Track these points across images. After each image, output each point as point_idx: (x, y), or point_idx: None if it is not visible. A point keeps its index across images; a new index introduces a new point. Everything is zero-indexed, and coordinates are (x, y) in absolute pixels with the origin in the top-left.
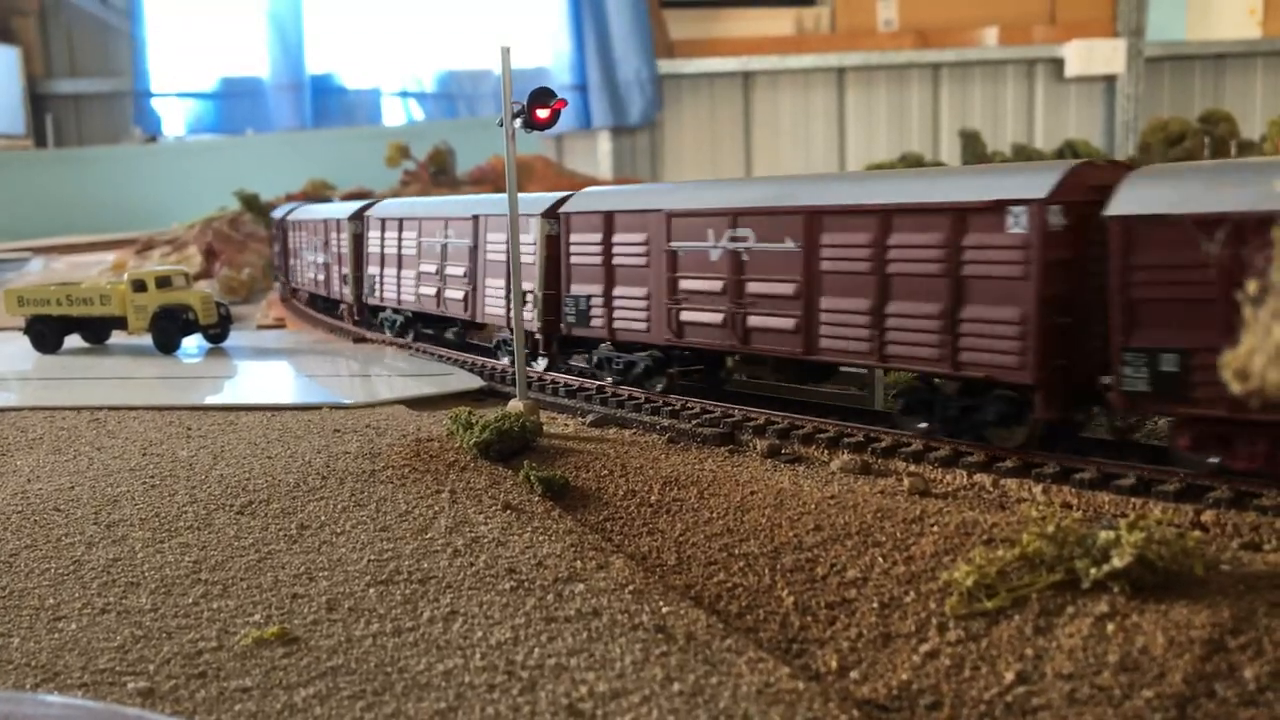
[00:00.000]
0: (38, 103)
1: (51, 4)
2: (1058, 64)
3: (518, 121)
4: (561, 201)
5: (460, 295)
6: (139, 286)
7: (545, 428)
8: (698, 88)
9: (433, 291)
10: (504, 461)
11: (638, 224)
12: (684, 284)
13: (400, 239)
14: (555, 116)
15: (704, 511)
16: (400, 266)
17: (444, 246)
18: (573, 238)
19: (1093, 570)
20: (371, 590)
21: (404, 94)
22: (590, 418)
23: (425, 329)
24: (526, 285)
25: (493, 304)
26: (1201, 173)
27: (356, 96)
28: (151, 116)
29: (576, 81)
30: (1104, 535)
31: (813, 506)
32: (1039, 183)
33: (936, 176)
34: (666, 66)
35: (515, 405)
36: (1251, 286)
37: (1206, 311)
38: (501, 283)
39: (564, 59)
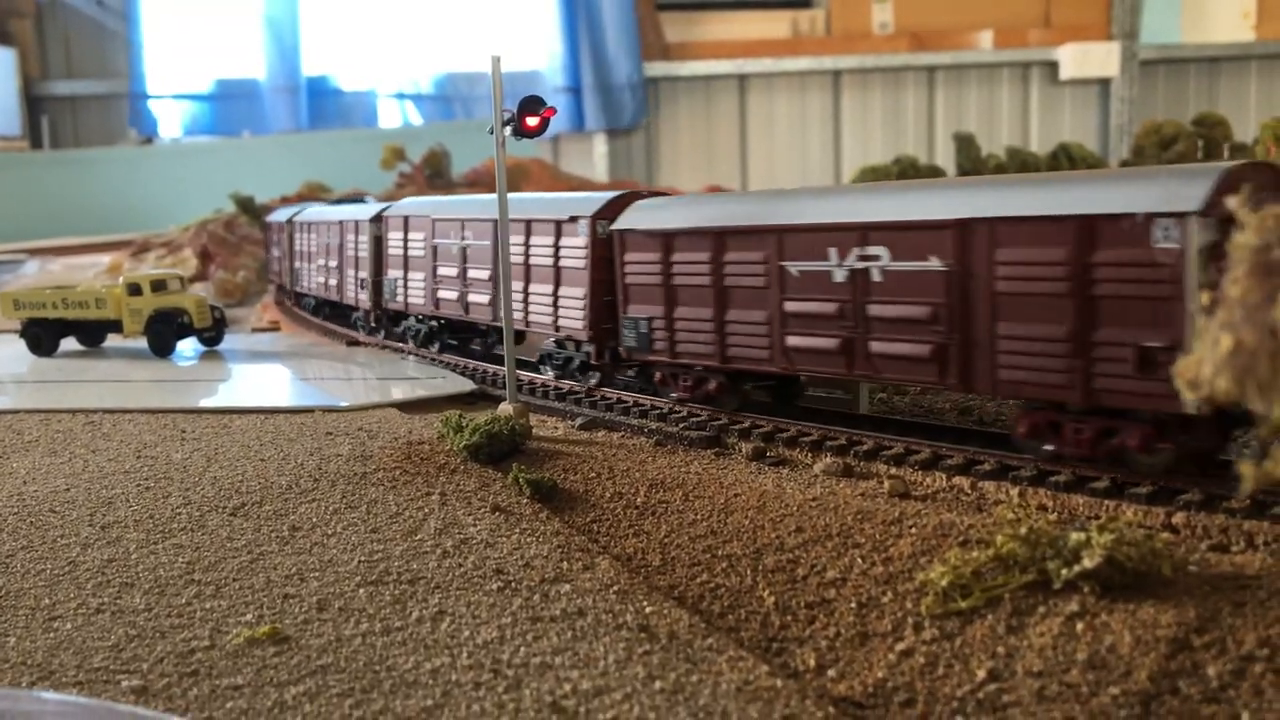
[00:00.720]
0: (34, 104)
1: (48, 6)
2: (1052, 67)
3: (508, 130)
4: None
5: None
6: (134, 290)
7: (535, 430)
8: (693, 90)
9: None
10: (494, 464)
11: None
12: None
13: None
14: (545, 124)
15: (689, 513)
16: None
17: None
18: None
19: (1064, 571)
20: (361, 591)
21: (399, 96)
22: (579, 421)
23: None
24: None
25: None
26: None
27: (352, 99)
28: (147, 118)
29: (570, 84)
30: (1075, 537)
31: (795, 508)
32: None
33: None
34: (662, 69)
35: (505, 408)
36: (1205, 298)
37: None
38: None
39: (557, 61)
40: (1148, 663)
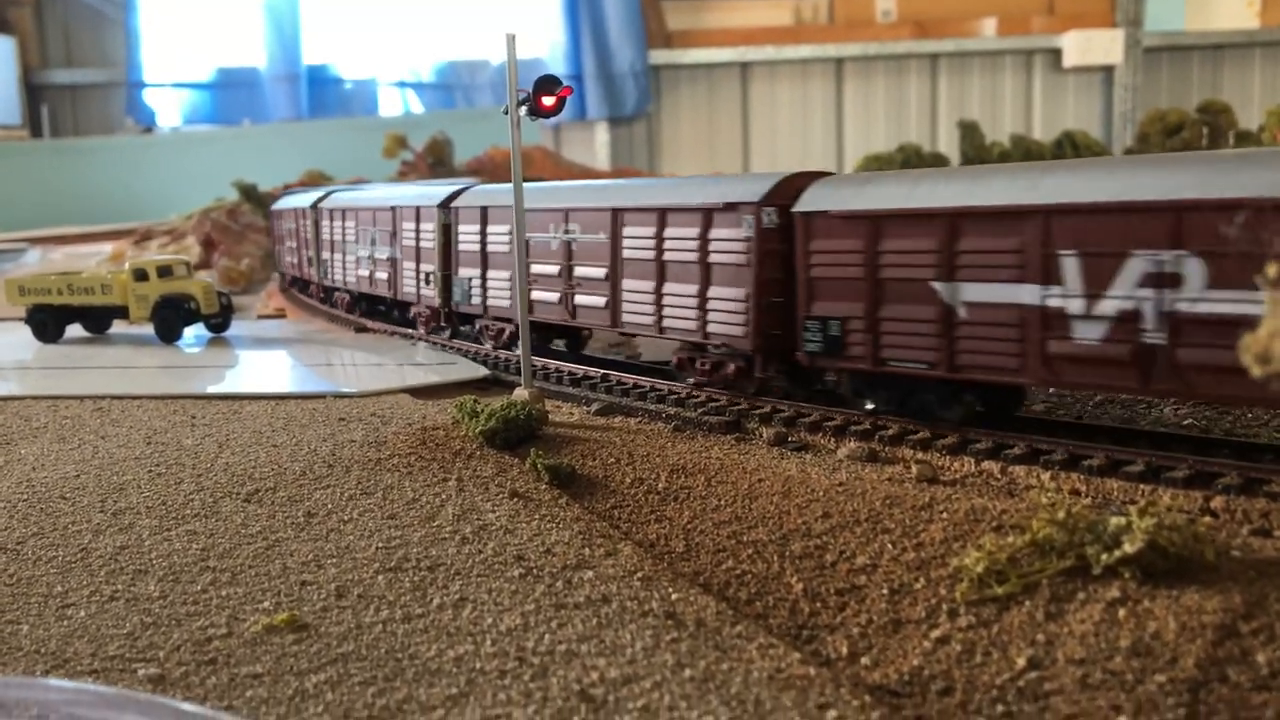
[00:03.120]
0: (33, 93)
1: None
2: (1056, 54)
3: (523, 109)
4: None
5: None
6: (140, 275)
7: (550, 416)
8: (695, 78)
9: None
10: (510, 450)
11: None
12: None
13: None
14: (561, 104)
15: (711, 499)
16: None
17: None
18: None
19: (1103, 556)
20: (380, 577)
21: (401, 84)
22: (595, 406)
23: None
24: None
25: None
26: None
27: (353, 87)
28: (143, 107)
29: (572, 72)
30: (1115, 521)
31: (820, 494)
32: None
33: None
34: (664, 57)
35: (520, 393)
36: (1272, 270)
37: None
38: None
39: (559, 49)
40: (1194, 650)
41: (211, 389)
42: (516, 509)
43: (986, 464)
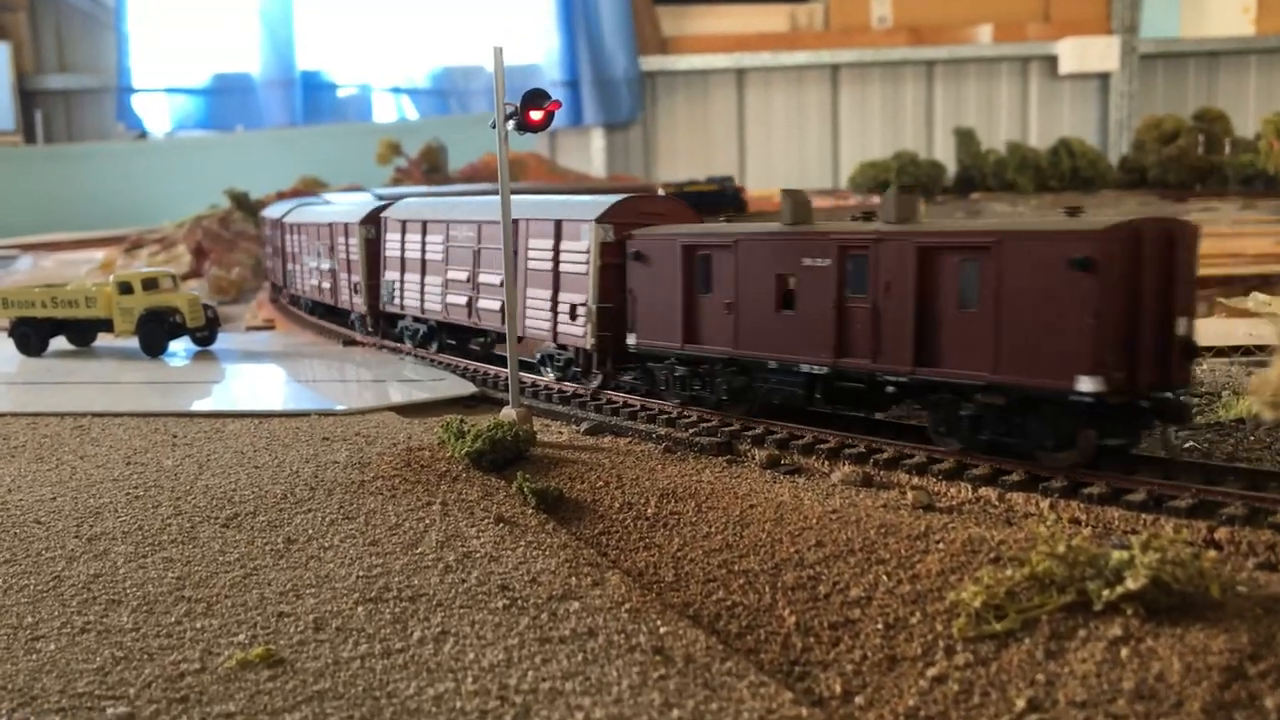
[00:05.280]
0: (27, 98)
1: (41, 0)
2: (1052, 61)
3: (510, 124)
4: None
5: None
6: (125, 288)
7: (539, 436)
8: (690, 84)
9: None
10: (497, 471)
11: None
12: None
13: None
14: (549, 119)
15: (702, 525)
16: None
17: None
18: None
19: (1105, 592)
20: (360, 609)
21: (395, 91)
22: (584, 426)
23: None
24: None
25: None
26: None
27: (348, 93)
28: (133, 114)
29: (567, 78)
30: (1117, 555)
31: (814, 521)
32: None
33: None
34: (659, 63)
35: (508, 413)
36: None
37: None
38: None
39: (554, 56)
40: (1200, 693)
41: (194, 406)
42: (502, 535)
43: (983, 490)
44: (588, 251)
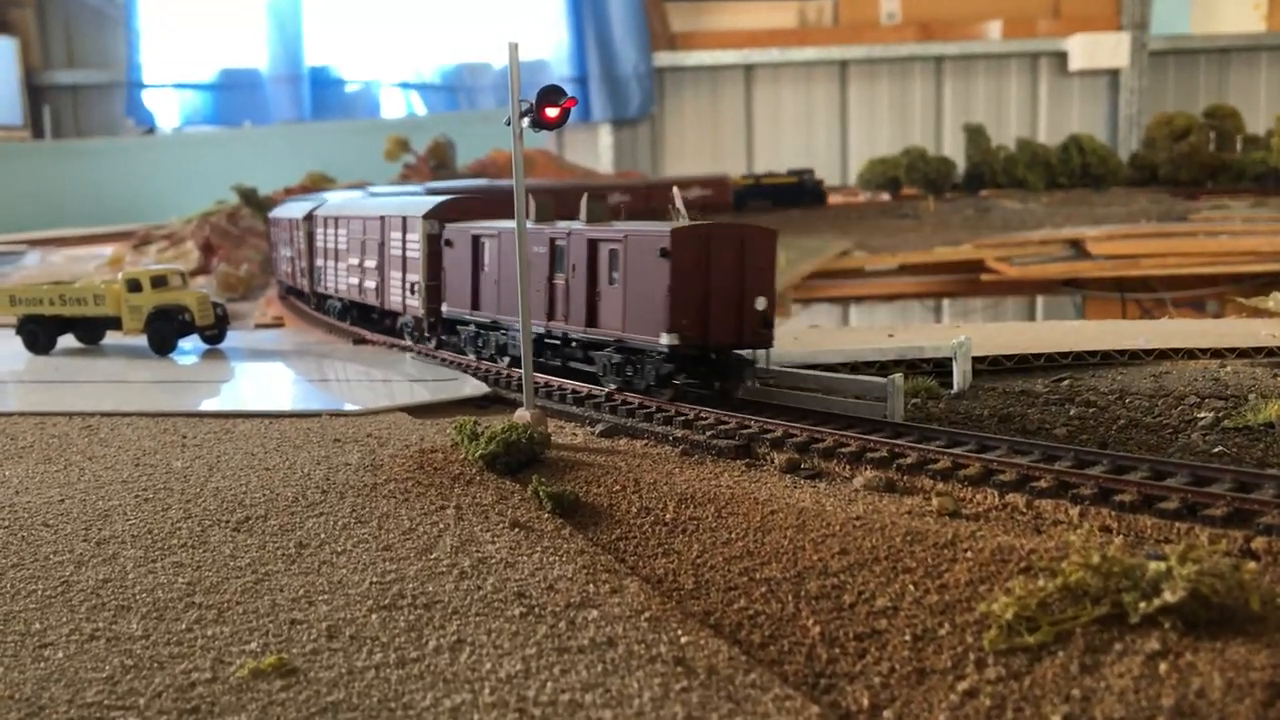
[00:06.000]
0: (35, 94)
1: None
2: (1061, 57)
3: (525, 120)
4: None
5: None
6: (134, 286)
7: (553, 438)
8: (699, 80)
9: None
10: (511, 475)
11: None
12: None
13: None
14: (565, 115)
15: (722, 532)
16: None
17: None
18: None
19: (1142, 604)
20: (374, 616)
21: (404, 86)
22: (599, 428)
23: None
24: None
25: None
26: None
27: (356, 89)
28: (142, 109)
29: (576, 74)
30: (1154, 567)
31: (837, 528)
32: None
33: None
34: (668, 59)
35: (522, 415)
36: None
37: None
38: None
39: (564, 51)
40: (1243, 710)
41: (204, 406)
42: (518, 540)
43: (1011, 496)
44: (419, 241)
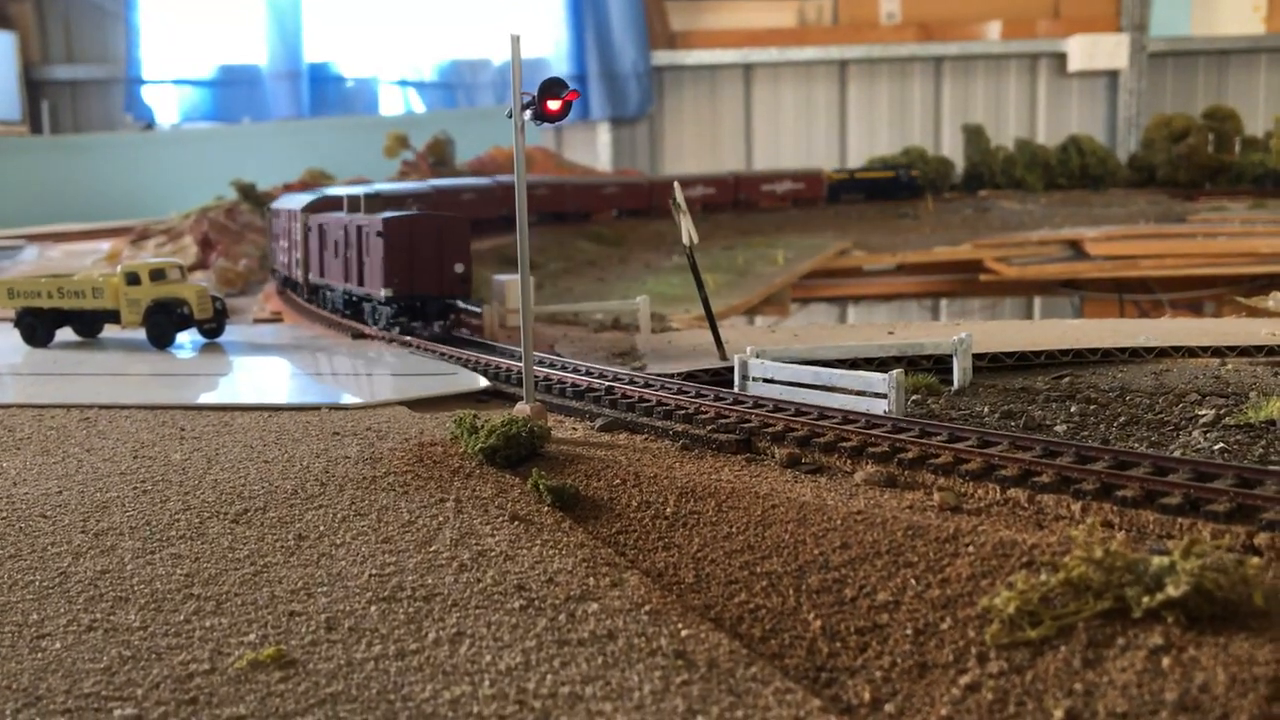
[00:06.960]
0: (34, 89)
1: None
2: (1061, 58)
3: (527, 113)
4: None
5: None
6: (133, 279)
7: (553, 432)
8: (698, 79)
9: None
10: (511, 468)
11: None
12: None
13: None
14: (567, 108)
15: (723, 525)
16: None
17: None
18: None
19: (1145, 599)
20: (373, 608)
21: (403, 83)
22: (600, 422)
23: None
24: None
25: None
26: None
27: (355, 85)
28: (141, 104)
29: (575, 71)
30: (1157, 561)
31: (838, 522)
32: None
33: None
34: (667, 58)
35: (522, 409)
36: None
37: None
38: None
39: (563, 49)
40: (1246, 705)
41: (203, 399)
42: (517, 533)
43: (1013, 491)
44: (302, 228)
